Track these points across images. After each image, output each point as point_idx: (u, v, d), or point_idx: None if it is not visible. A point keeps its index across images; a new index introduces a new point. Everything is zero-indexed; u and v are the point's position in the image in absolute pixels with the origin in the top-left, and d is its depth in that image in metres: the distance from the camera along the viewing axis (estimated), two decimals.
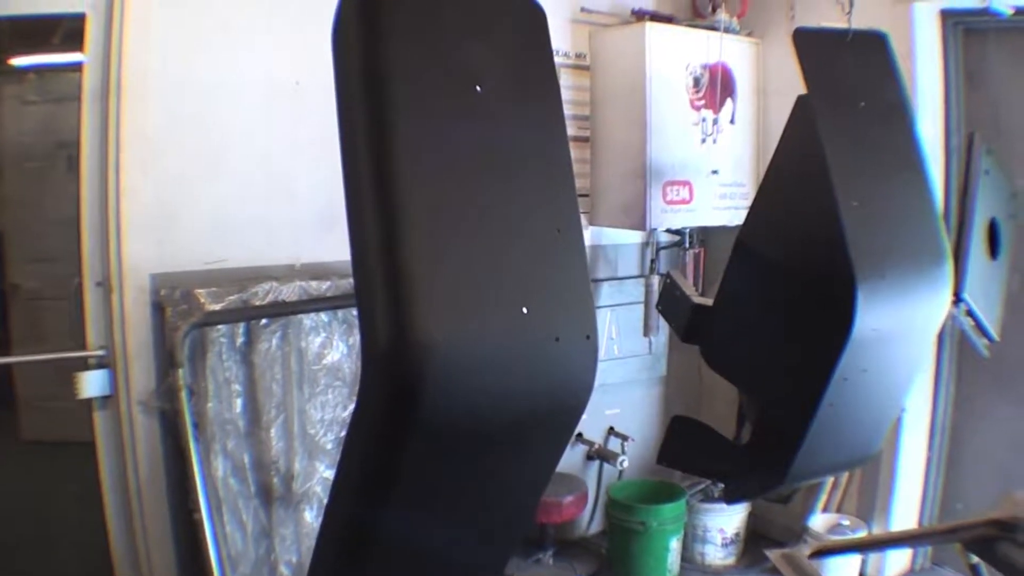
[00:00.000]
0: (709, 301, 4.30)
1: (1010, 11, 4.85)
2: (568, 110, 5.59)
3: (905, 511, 5.72)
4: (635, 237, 6.14)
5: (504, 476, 2.95)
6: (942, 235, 3.96)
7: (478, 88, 2.76)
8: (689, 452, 4.50)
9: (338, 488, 2.87)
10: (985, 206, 4.65)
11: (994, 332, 4.73)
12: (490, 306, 2.66)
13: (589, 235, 6.00)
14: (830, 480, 5.78)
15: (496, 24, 2.91)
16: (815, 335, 3.77)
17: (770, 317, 4.02)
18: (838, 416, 3.84)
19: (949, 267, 3.94)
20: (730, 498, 4.62)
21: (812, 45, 3.92)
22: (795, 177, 3.95)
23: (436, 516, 2.90)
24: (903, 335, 3.88)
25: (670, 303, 4.47)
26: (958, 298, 4.42)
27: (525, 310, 2.68)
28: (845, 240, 3.61)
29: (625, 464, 6.06)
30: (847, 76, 3.95)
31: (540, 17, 3.00)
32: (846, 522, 5.72)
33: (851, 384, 3.76)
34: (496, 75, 2.83)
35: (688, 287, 4.41)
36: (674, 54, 5.65)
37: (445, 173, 2.65)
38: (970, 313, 4.55)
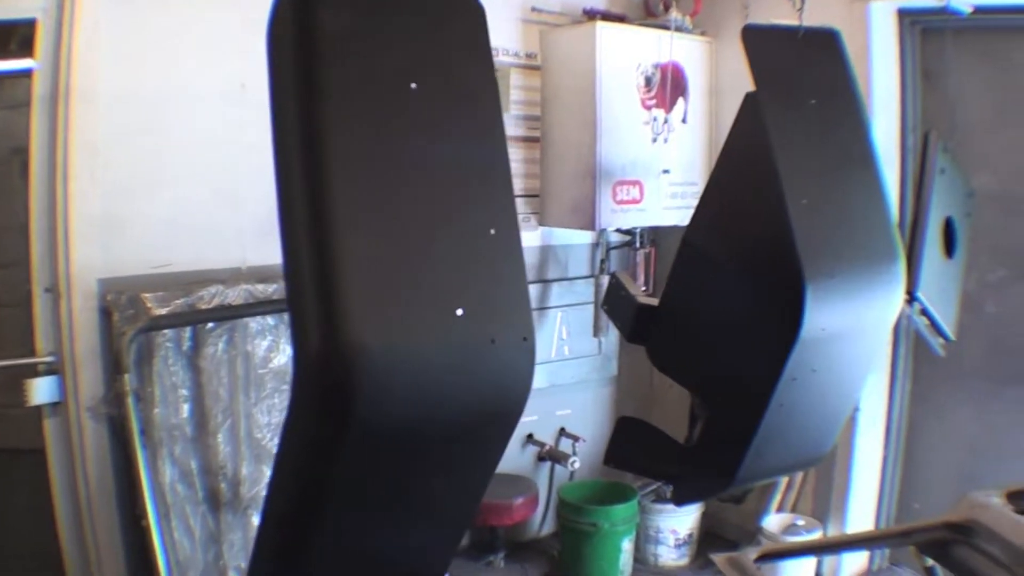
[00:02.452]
0: (655, 301, 4.25)
1: (969, 9, 4.78)
2: (519, 110, 5.75)
3: (861, 511, 5.71)
4: (586, 237, 6.09)
5: (442, 479, 2.92)
6: (894, 234, 3.92)
7: (413, 86, 2.72)
8: (636, 453, 4.47)
9: (272, 493, 2.83)
10: (940, 205, 4.61)
11: (950, 331, 4.69)
12: (423, 309, 2.64)
13: (539, 235, 6.01)
14: (784, 480, 5.77)
15: (433, 22, 2.87)
16: (763, 335, 3.72)
17: (717, 317, 3.97)
18: (788, 416, 3.80)
19: (901, 266, 3.91)
20: (679, 500, 4.58)
21: (761, 42, 3.87)
22: (742, 175, 3.91)
23: (373, 520, 2.87)
24: (854, 334, 3.84)
25: (615, 303, 4.42)
26: (912, 297, 4.38)
27: (459, 312, 2.65)
28: (793, 239, 3.57)
29: (576, 465, 5.99)
30: (797, 73, 3.92)
31: (478, 15, 2.94)
32: (801, 522, 5.72)
33: (800, 384, 3.72)
34: (432, 74, 2.79)
35: (633, 287, 4.37)
36: (625, 54, 5.60)
37: (377, 175, 2.63)
38: (924, 312, 4.51)
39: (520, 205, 5.72)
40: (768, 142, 3.65)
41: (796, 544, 4.89)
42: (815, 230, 3.64)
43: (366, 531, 2.89)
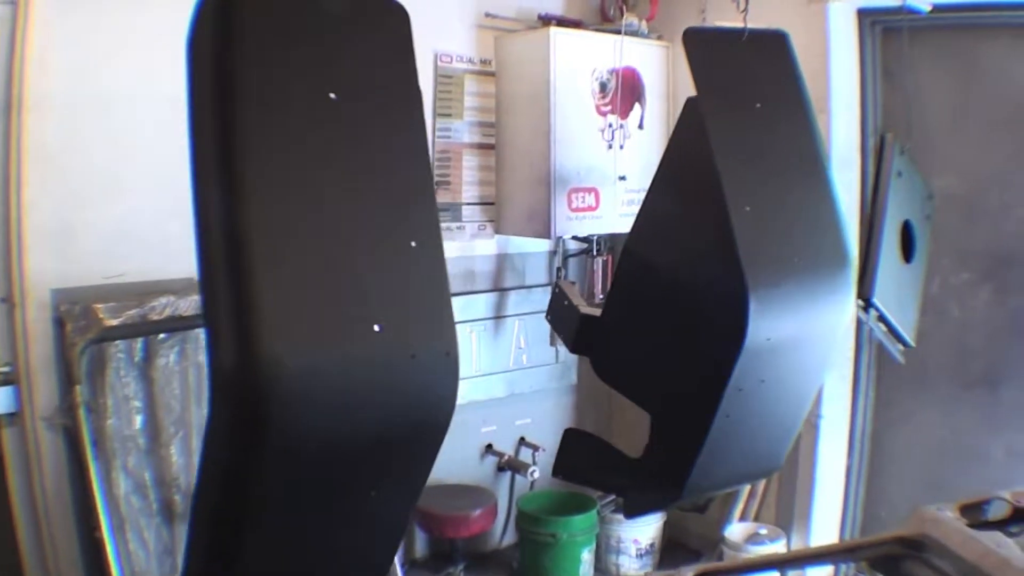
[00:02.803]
0: (598, 311, 4.15)
1: (928, 7, 4.74)
2: (473, 117, 5.68)
3: (825, 519, 5.64)
4: (543, 245, 6.00)
5: (368, 496, 2.86)
6: (844, 239, 3.84)
7: (332, 96, 2.68)
8: (584, 466, 4.40)
9: (196, 510, 2.78)
10: (898, 208, 4.57)
11: (910, 337, 4.64)
12: (340, 324, 2.60)
13: (495, 243, 5.95)
14: (747, 489, 5.69)
15: (356, 30, 2.83)
16: (707, 346, 3.65)
17: (660, 327, 3.90)
18: (736, 427, 3.73)
19: (852, 273, 3.84)
20: (629, 513, 4.50)
21: (703, 45, 3.79)
22: (684, 182, 3.85)
23: (299, 537, 2.82)
24: (802, 344, 3.76)
25: (558, 313, 4.37)
26: (868, 303, 4.35)
27: (378, 328, 2.61)
28: (736, 247, 3.48)
29: (536, 475, 5.88)
30: (741, 77, 3.84)
31: (402, 20, 2.91)
32: (764, 531, 5.60)
33: (747, 395, 3.64)
34: (353, 83, 2.76)
35: (576, 297, 4.30)
36: (580, 59, 5.53)
37: (293, 188, 2.59)
38: (882, 318, 4.45)
39: (476, 213, 5.80)
40: (709, 148, 3.56)
41: (736, 563, 4.76)
42: (759, 237, 3.56)
43: (293, 548, 2.83)
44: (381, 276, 2.71)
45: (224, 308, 2.44)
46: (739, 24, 3.83)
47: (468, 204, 5.76)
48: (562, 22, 5.76)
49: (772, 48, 3.95)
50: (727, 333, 3.50)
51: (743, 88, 3.80)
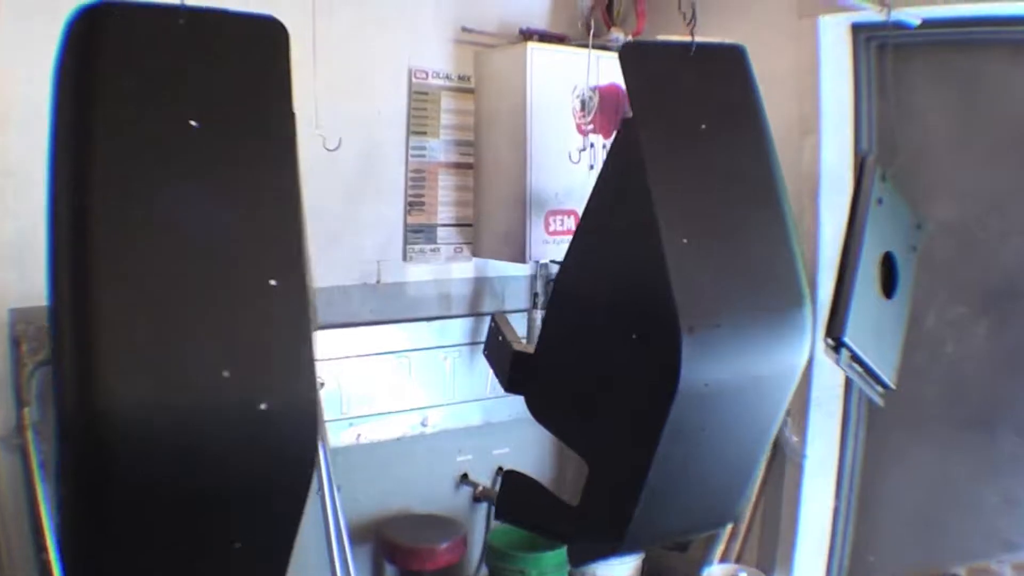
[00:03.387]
0: (532, 348, 3.91)
1: (917, 21, 4.52)
2: (450, 135, 5.53)
3: (810, 562, 5.41)
4: (524, 269, 5.83)
5: (229, 551, 2.69)
6: (799, 275, 3.54)
7: (193, 124, 2.55)
8: (525, 510, 4.13)
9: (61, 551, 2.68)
10: (878, 239, 4.29)
11: (889, 378, 4.36)
12: (187, 371, 2.45)
13: (473, 267, 5.78)
14: (728, 529, 5.46)
15: (228, 50, 2.68)
16: (640, 389, 3.38)
17: (593, 368, 3.62)
18: (679, 476, 3.47)
19: (807, 311, 3.53)
20: (575, 562, 4.33)
21: (643, 60, 3.54)
22: (617, 211, 3.54)
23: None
24: (748, 389, 3.48)
25: (493, 349, 4.11)
26: (839, 343, 4.07)
27: (227, 373, 2.45)
28: (669, 283, 3.19)
29: None
30: (686, 95, 3.56)
31: (280, 39, 2.75)
32: (744, 573, 5.37)
33: (688, 443, 3.38)
34: (218, 109, 2.62)
35: (511, 332, 4.00)
36: (560, 76, 5.33)
37: (143, 226, 2.46)
38: (857, 359, 4.16)
39: (451, 235, 5.66)
40: (644, 173, 3.29)
41: None
42: (697, 273, 3.29)
43: None
44: (234, 317, 2.52)
45: (67, 353, 2.32)
46: (687, 38, 3.51)
47: (443, 225, 5.59)
48: (544, 37, 5.55)
49: (726, 63, 3.65)
50: (659, 377, 3.22)
51: (687, 107, 3.51)
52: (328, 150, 4.07)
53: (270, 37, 2.74)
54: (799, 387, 4.75)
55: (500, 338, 4.07)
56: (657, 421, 3.27)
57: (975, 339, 4.97)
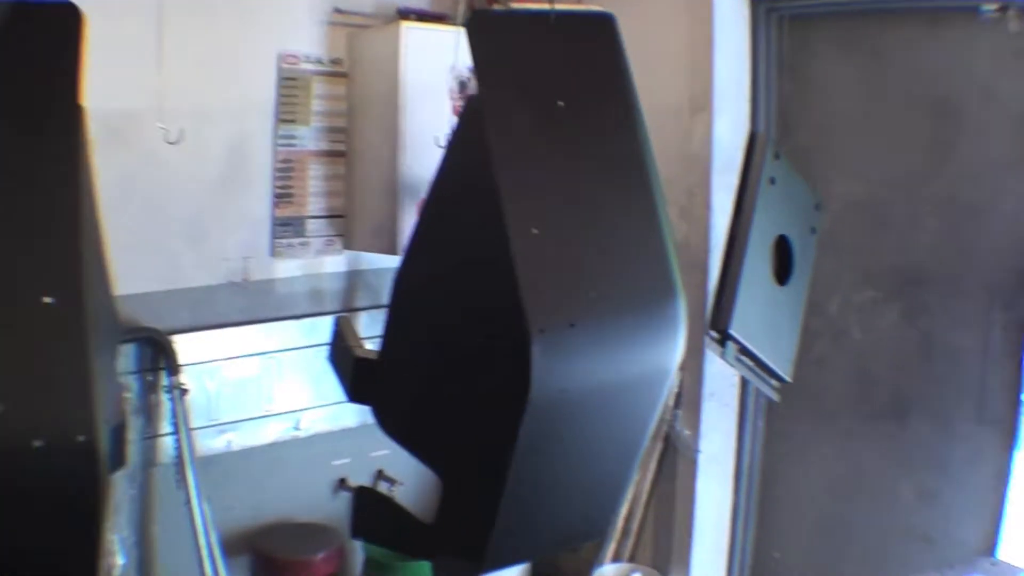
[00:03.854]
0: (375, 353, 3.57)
1: None
2: (322, 121, 5.28)
3: (709, 560, 5.30)
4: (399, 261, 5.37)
5: None
6: (670, 264, 3.20)
7: None
8: (382, 528, 3.82)
9: None
10: (770, 221, 4.05)
11: (785, 371, 4.15)
12: None
13: (345, 260, 5.53)
14: (619, 526, 5.29)
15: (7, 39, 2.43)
16: (491, 399, 3.03)
17: (440, 375, 3.27)
18: (540, 491, 3.18)
19: (679, 304, 3.20)
20: None
21: (492, 31, 3.17)
22: (461, 200, 3.19)
23: None
24: (614, 394, 3.16)
25: (337, 354, 3.76)
26: (726, 336, 3.83)
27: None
28: (517, 280, 2.85)
29: None
30: (542, 69, 3.20)
31: (68, 24, 2.48)
32: (639, 574, 5.30)
33: (548, 456, 3.08)
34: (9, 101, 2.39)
35: (353, 336, 3.64)
36: (437, 56, 5.03)
37: None
38: (747, 352, 3.92)
39: (322, 227, 5.40)
40: (490, 157, 2.93)
41: None
42: (550, 267, 2.97)
43: None
44: (3, 342, 2.27)
45: None
46: (545, 6, 3.18)
47: (314, 217, 5.32)
48: (423, 16, 5.29)
49: (591, 34, 3.30)
50: (510, 385, 2.90)
51: (543, 83, 3.16)
52: (170, 143, 3.80)
53: (60, 23, 2.48)
54: (691, 377, 4.89)
55: (341, 343, 3.71)
56: (509, 434, 2.95)
57: (885, 324, 4.81)
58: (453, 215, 3.20)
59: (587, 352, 3.00)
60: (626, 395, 3.22)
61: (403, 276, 3.31)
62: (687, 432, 5.12)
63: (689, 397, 5.09)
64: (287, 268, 5.28)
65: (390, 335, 3.39)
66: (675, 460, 5.21)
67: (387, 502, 3.83)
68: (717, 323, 3.85)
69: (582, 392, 3.03)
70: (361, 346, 3.63)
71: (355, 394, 3.63)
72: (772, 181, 4.03)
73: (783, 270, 4.15)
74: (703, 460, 5.14)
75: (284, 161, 5.15)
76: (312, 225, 5.32)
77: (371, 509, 3.80)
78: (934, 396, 4.62)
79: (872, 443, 4.91)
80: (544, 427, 2.98)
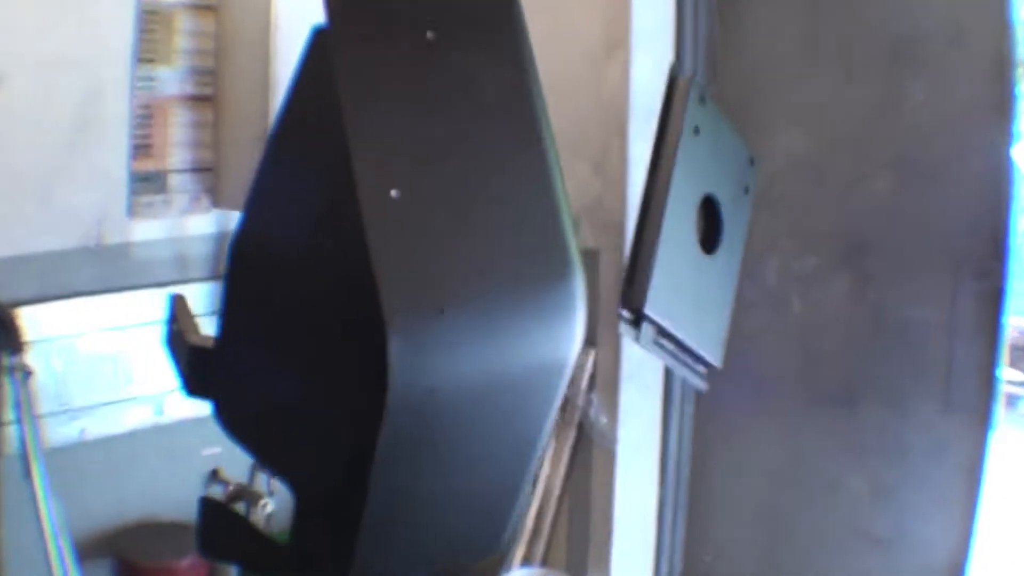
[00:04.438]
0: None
1: None
2: (187, 62, 5.00)
3: (632, 563, 5.00)
4: None
5: None
6: (565, 235, 2.73)
7: None
8: (232, 545, 3.28)
9: None
10: (695, 179, 3.54)
11: (714, 355, 3.69)
12: None
13: (214, 219, 5.19)
14: (529, 526, 4.98)
15: None
16: (347, 399, 2.54)
17: (286, 369, 2.77)
18: (414, 506, 2.72)
19: (576, 282, 2.72)
20: None
21: None
22: (306, 156, 2.65)
23: None
24: (498, 390, 2.68)
25: (172, 340, 3.24)
26: (640, 316, 3.32)
27: None
28: (369, 255, 2.32)
29: (270, 508, 4.67)
30: None
31: None
32: None
33: (416, 465, 2.60)
34: None
35: (187, 317, 3.09)
36: None
37: None
38: (666, 334, 3.44)
39: (187, 182, 5.10)
40: (339, 103, 2.40)
41: None
42: (414, 238, 2.46)
43: None
44: None
45: None
46: None
47: (177, 171, 5.00)
48: None
49: None
50: (367, 384, 2.40)
51: (408, 12, 2.62)
52: None
53: None
54: (608, 356, 4.69)
55: (174, 327, 3.14)
56: (369, 440, 2.45)
57: (831, 296, 4.55)
58: (292, 175, 2.70)
59: (461, 343, 2.56)
60: (512, 393, 2.77)
61: (240, 243, 2.76)
62: (604, 419, 4.74)
63: (606, 379, 4.76)
64: (147, 230, 4.97)
65: (227, 317, 2.85)
66: (590, 451, 4.89)
67: (235, 519, 3.48)
68: (630, 301, 3.36)
69: (457, 391, 2.58)
70: (196, 330, 3.11)
71: (192, 386, 3.11)
72: (696, 131, 3.54)
73: (711, 236, 3.69)
74: (622, 450, 4.81)
75: (143, 107, 4.79)
76: (175, 180, 4.98)
77: (219, 524, 3.32)
78: (889, 377, 4.34)
79: (817, 431, 4.67)
80: (411, 433, 2.53)
